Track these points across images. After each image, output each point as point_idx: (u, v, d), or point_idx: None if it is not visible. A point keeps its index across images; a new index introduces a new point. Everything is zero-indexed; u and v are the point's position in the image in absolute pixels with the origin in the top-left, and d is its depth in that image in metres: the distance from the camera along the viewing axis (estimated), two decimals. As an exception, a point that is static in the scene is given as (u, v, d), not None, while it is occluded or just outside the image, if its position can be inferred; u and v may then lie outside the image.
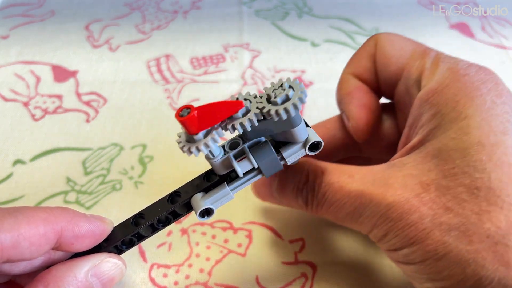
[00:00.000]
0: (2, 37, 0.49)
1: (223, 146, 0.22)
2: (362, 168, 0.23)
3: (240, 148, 0.22)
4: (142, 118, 0.40)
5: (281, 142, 0.22)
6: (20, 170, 0.36)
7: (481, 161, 0.19)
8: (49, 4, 0.55)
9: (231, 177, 0.23)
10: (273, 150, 0.22)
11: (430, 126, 0.22)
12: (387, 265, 0.29)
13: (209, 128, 0.20)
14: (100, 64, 0.46)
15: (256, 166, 0.21)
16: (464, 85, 0.21)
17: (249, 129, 0.20)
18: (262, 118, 0.20)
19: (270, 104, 0.20)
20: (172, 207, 0.23)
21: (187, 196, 0.23)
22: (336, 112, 0.41)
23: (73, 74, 0.45)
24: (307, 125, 0.23)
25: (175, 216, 0.23)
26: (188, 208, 0.23)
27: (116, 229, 0.24)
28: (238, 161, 0.21)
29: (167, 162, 0.36)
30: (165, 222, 0.24)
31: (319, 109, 0.41)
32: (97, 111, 0.41)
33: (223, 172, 0.22)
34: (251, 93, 0.21)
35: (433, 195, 0.20)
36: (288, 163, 0.22)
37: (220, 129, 0.20)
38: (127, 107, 0.41)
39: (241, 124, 0.20)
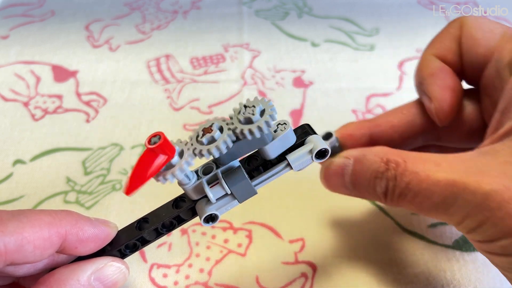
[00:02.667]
0: (2, 37, 0.49)
1: (196, 171, 0.22)
2: (448, 156, 0.21)
3: (213, 173, 0.21)
4: (142, 118, 0.40)
5: (288, 149, 0.22)
6: (20, 170, 0.36)
7: None
8: (49, 4, 0.55)
9: None
10: (246, 175, 0.21)
11: None
12: (387, 265, 0.29)
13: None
14: (100, 64, 0.46)
15: (228, 192, 0.21)
16: None
17: (224, 151, 0.20)
18: (235, 139, 0.20)
19: (242, 124, 0.20)
20: (177, 212, 0.23)
21: (192, 202, 0.23)
22: (336, 112, 0.42)
23: (73, 74, 0.45)
24: (314, 133, 0.22)
25: (179, 221, 0.23)
26: (193, 213, 0.23)
27: (120, 233, 0.24)
28: (211, 187, 0.21)
29: (167, 162, 0.36)
30: (169, 227, 0.23)
31: (319, 109, 0.41)
32: (97, 111, 0.41)
33: (196, 197, 0.22)
34: (219, 117, 0.21)
35: None
36: (294, 170, 0.22)
37: (190, 158, 0.20)
38: (127, 107, 0.41)
39: (217, 148, 0.19)
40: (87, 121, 0.40)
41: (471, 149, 0.22)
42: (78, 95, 0.43)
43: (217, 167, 0.22)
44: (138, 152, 0.37)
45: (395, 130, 0.28)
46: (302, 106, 0.42)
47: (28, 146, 0.38)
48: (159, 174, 0.20)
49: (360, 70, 0.46)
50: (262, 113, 0.20)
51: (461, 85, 0.27)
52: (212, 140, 0.20)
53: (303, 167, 0.22)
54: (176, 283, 0.29)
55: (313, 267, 0.30)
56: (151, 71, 0.45)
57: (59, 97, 0.42)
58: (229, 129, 0.20)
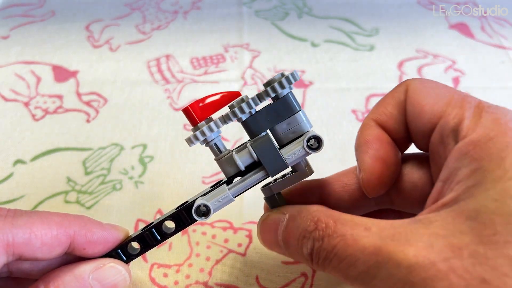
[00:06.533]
0: (2, 37, 0.49)
1: (232, 151, 0.23)
2: (381, 221, 0.20)
3: (244, 144, 0.22)
4: (142, 118, 0.40)
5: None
6: (20, 170, 0.36)
7: None
8: (49, 4, 0.55)
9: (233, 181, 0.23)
10: (273, 141, 0.22)
11: (468, 183, 0.19)
12: (387, 265, 0.30)
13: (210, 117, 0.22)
14: (100, 64, 0.46)
15: (255, 156, 0.22)
16: None
17: (247, 111, 0.21)
18: (259, 102, 0.21)
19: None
20: (176, 210, 0.23)
21: (192, 201, 0.23)
22: (336, 112, 0.42)
23: (74, 74, 0.45)
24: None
25: (180, 225, 0.24)
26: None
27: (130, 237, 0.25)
28: (237, 153, 0.22)
29: (168, 162, 0.37)
30: (172, 232, 0.24)
31: (319, 109, 0.41)
32: (97, 111, 0.41)
33: (231, 171, 0.22)
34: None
35: (466, 263, 0.17)
36: (287, 162, 0.22)
37: (218, 120, 0.22)
38: (127, 107, 0.41)
39: (240, 108, 0.21)
40: (88, 121, 0.40)
41: None
42: (79, 95, 0.43)
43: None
44: (138, 152, 0.37)
45: (345, 189, 0.26)
46: (302, 106, 0.42)
47: (28, 146, 0.38)
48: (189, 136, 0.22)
49: (360, 70, 0.46)
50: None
51: (397, 157, 0.25)
52: (235, 105, 0.22)
53: (295, 158, 0.22)
54: (176, 282, 0.29)
55: (313, 266, 0.30)
56: (151, 71, 0.45)
57: (60, 97, 0.42)
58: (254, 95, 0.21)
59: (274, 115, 0.21)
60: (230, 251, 0.31)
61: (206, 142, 0.22)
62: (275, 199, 0.24)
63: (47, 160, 0.37)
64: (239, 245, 0.31)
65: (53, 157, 0.37)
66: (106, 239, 0.23)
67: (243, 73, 0.45)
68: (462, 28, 0.52)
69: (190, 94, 0.43)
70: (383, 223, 0.20)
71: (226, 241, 0.31)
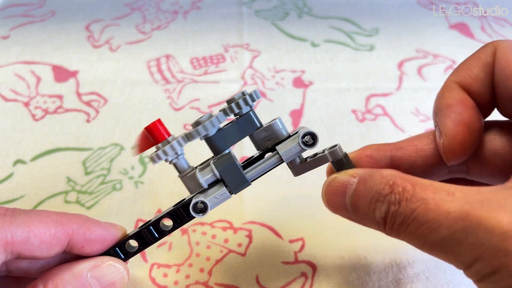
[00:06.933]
0: (2, 37, 0.49)
1: (196, 168, 0.23)
2: (464, 187, 0.19)
3: (207, 161, 0.23)
4: (142, 118, 0.40)
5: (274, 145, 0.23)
6: (20, 170, 0.36)
7: None
8: (49, 4, 0.55)
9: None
10: (234, 158, 0.22)
11: None
12: (388, 265, 0.30)
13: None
14: (100, 64, 0.46)
15: (217, 174, 0.22)
16: None
17: (210, 128, 0.21)
18: (221, 121, 0.22)
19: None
20: (173, 208, 0.23)
21: (190, 198, 0.23)
22: (336, 112, 0.42)
23: (74, 74, 0.45)
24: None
25: (178, 222, 0.24)
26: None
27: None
28: (200, 171, 0.22)
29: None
30: (170, 229, 0.24)
31: (319, 109, 0.41)
32: (97, 111, 0.41)
33: (194, 189, 0.23)
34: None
35: None
36: (283, 158, 0.22)
37: (180, 138, 0.22)
38: (127, 107, 0.41)
39: (203, 126, 0.21)
40: (88, 121, 0.40)
41: None
42: (79, 95, 0.43)
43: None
44: (138, 152, 0.37)
45: (419, 154, 0.25)
46: (302, 106, 0.42)
47: (28, 146, 0.38)
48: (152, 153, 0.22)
49: (360, 70, 0.46)
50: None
51: (481, 123, 0.24)
52: (200, 123, 0.22)
53: (291, 154, 0.22)
54: (176, 282, 0.29)
55: (313, 266, 0.30)
56: (151, 71, 0.45)
57: (60, 97, 0.42)
58: (219, 110, 0.22)
59: (236, 132, 0.22)
60: (230, 251, 0.31)
61: (169, 160, 0.22)
62: (342, 162, 0.23)
63: (47, 160, 0.37)
64: (239, 245, 0.31)
65: (53, 157, 0.37)
66: (104, 238, 0.23)
67: (243, 73, 0.45)
68: (462, 28, 0.52)
69: (190, 94, 0.43)
70: (467, 189, 0.19)
71: (226, 241, 0.31)
